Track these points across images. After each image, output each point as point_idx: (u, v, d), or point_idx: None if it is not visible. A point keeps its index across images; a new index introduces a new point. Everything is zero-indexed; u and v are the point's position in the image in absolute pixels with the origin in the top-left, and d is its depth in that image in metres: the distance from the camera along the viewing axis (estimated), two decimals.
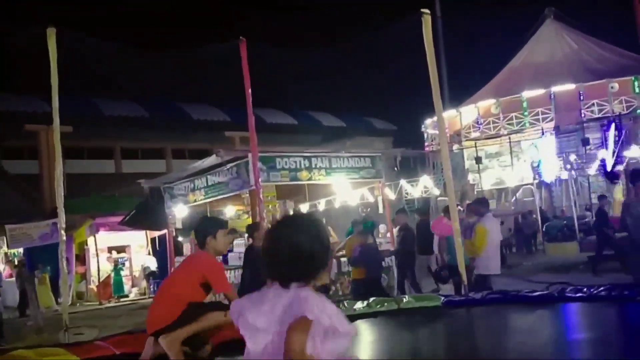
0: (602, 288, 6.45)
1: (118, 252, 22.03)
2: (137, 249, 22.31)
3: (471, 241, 8.70)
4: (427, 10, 8.75)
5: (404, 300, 7.61)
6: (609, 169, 19.52)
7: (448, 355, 5.07)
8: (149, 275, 20.99)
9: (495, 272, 8.64)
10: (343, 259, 12.38)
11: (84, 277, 21.23)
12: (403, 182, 34.51)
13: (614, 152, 19.44)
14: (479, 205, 9.23)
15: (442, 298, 7.42)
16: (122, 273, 21.16)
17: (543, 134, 28.30)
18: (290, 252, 2.16)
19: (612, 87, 32.89)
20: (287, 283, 2.16)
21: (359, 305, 7.46)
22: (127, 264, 21.88)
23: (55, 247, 9.24)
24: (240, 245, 12.96)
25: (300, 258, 2.15)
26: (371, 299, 7.76)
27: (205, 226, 5.16)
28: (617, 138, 20.16)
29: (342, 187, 14.40)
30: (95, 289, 20.85)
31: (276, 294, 2.15)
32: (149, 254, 21.98)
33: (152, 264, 20.92)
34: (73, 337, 8.23)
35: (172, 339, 4.73)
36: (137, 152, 38.52)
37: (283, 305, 2.09)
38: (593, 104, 33.03)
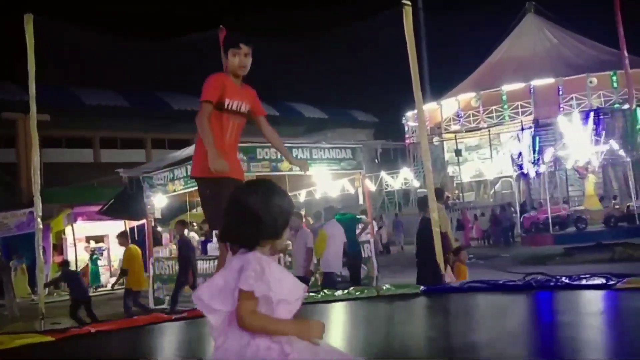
0: (577, 277, 6.56)
1: (96, 242, 21.86)
2: (116, 238, 22.16)
3: (314, 244, 10.00)
4: (408, 2, 8.74)
5: (384, 288, 7.67)
6: (581, 163, 19.79)
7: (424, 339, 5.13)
8: None
9: (337, 270, 10.12)
10: None
11: (61, 266, 21.05)
12: (383, 173, 34.72)
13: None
14: (328, 213, 10.67)
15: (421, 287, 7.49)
16: (99, 263, 21.00)
17: (522, 127, 28.55)
18: (238, 213, 2.16)
19: (590, 82, 33.29)
20: (235, 246, 2.16)
21: (340, 292, 7.52)
22: (105, 253, 21.72)
23: (32, 236, 9.15)
24: None
25: (246, 219, 2.13)
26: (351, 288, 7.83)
27: None
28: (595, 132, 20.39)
29: (323, 178, 14.42)
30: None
31: (227, 263, 2.16)
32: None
33: None
34: (49, 325, 8.18)
35: None
36: (116, 142, 38.23)
37: (232, 272, 2.10)
38: (572, 98, 33.41)
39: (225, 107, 4.40)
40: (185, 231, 16.53)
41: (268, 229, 2.15)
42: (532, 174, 22.20)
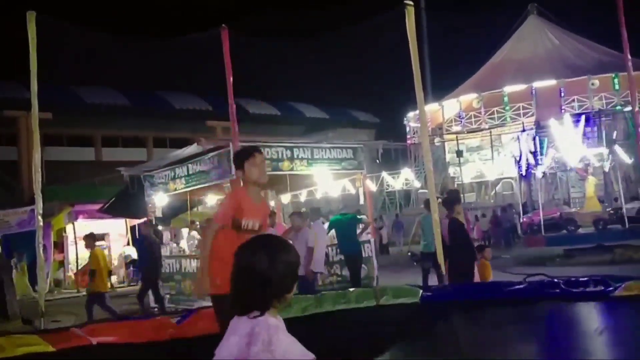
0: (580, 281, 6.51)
1: (97, 240, 21.85)
2: (117, 237, 22.17)
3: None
4: (410, 2, 8.75)
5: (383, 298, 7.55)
6: (575, 164, 19.83)
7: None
8: (130, 263, 20.89)
9: (321, 270, 10.31)
10: None
11: (61, 264, 21.06)
12: (384, 174, 34.70)
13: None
14: (313, 214, 10.92)
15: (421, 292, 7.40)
16: None
17: (524, 128, 28.54)
18: (245, 279, 2.08)
19: (592, 84, 33.25)
20: (244, 311, 2.08)
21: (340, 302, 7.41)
22: (105, 252, 21.71)
23: (33, 234, 9.15)
24: None
25: (254, 283, 2.06)
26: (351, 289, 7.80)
27: None
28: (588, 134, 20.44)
29: (324, 178, 14.41)
30: (73, 276, 20.69)
31: (237, 326, 2.10)
32: (128, 243, 21.87)
33: (133, 252, 20.82)
34: (50, 324, 8.18)
35: None
36: (118, 140, 38.25)
37: (243, 339, 2.05)
38: (573, 100, 33.36)
39: (243, 227, 4.44)
40: (187, 230, 16.59)
41: (279, 288, 2.08)
42: (538, 175, 22.21)
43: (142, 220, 14.89)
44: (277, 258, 2.08)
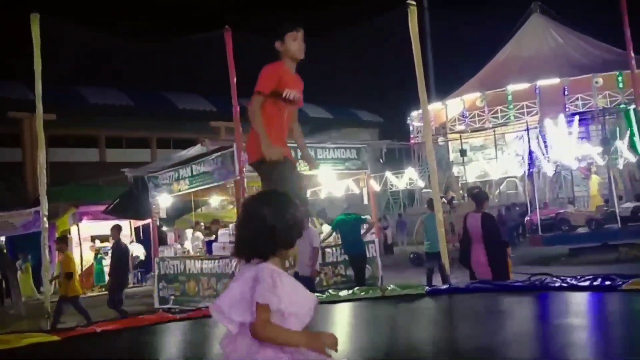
0: (583, 278, 6.54)
1: (101, 241, 21.89)
2: (121, 237, 22.18)
3: None
4: (413, 2, 8.75)
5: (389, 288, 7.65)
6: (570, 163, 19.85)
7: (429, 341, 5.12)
8: (137, 265, 20.93)
9: (304, 273, 9.95)
10: (328, 249, 12.42)
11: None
12: (388, 173, 34.66)
13: None
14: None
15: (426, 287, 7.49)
16: (104, 262, 21.04)
17: (527, 127, 28.46)
18: (252, 227, 2.18)
19: (596, 82, 33.14)
20: (249, 258, 2.19)
21: (345, 292, 7.52)
22: (110, 253, 21.75)
23: (38, 235, 9.18)
24: (225, 235, 12.94)
25: (261, 232, 2.16)
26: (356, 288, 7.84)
27: None
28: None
29: (328, 178, 14.42)
30: (77, 277, 20.72)
31: (241, 273, 2.19)
32: (133, 241, 21.90)
33: (140, 252, 20.83)
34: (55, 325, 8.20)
35: None
36: (122, 141, 38.30)
37: (247, 283, 2.13)
38: (577, 99, 33.27)
39: (284, 96, 4.42)
40: (191, 231, 16.59)
41: (283, 239, 2.18)
42: (549, 173, 22.16)
43: (144, 222, 14.92)
44: (285, 211, 2.19)
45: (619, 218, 17.20)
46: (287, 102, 4.47)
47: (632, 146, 21.41)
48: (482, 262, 7.73)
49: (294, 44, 4.46)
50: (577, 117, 21.14)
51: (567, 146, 19.77)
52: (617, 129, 22.99)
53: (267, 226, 2.15)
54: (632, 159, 21.67)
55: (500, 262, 7.84)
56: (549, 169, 21.24)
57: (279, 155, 4.15)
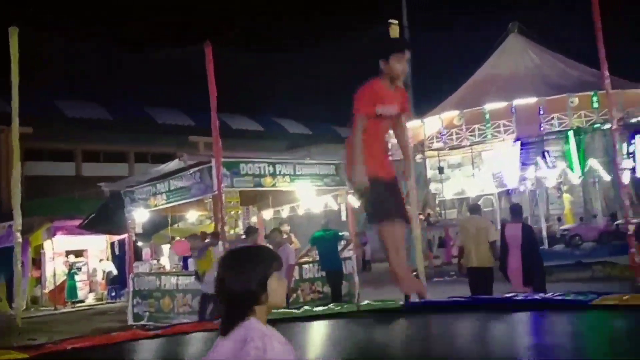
0: (557, 294, 6.59)
1: (76, 256, 21.63)
2: (96, 253, 21.95)
3: (200, 260, 10.73)
4: (394, 21, 8.86)
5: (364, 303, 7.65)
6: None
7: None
8: (111, 280, 20.70)
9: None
10: (305, 266, 12.39)
11: (39, 281, 20.78)
12: None
13: None
14: (214, 237, 11.20)
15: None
16: (77, 278, 20.77)
17: (506, 145, 28.79)
18: (218, 289, 2.20)
19: (572, 102, 33.62)
20: (226, 326, 2.16)
21: (320, 308, 7.50)
22: (84, 268, 21.48)
23: (11, 250, 9.03)
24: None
25: (224, 295, 2.17)
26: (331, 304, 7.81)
27: None
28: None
29: (306, 194, 14.42)
30: (49, 293, 20.44)
31: (220, 341, 2.16)
32: (107, 259, 21.65)
33: (113, 269, 20.61)
34: (26, 341, 8.05)
35: None
36: (99, 155, 37.94)
37: (237, 344, 2.10)
38: (553, 118, 33.73)
39: (379, 114, 4.43)
40: (167, 246, 16.45)
41: (245, 299, 2.15)
42: (525, 188, 22.55)
43: (120, 237, 14.78)
44: (241, 270, 2.16)
45: (566, 237, 17.52)
46: (383, 119, 4.50)
47: (570, 167, 21.98)
48: (518, 268, 8.11)
49: (399, 66, 4.45)
50: (518, 143, 21.85)
51: (512, 170, 20.44)
52: (593, 148, 23.39)
53: (228, 291, 2.16)
54: (607, 177, 22.02)
55: (537, 270, 8.30)
56: (511, 184, 21.70)
57: (365, 184, 4.26)
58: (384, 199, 4.40)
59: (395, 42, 4.58)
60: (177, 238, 16.82)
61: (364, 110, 4.37)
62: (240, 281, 2.15)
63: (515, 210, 9.03)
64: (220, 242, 10.65)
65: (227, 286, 2.17)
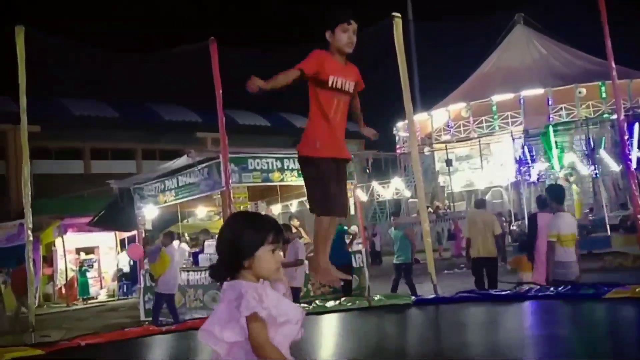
0: (567, 287, 6.58)
1: (86, 254, 21.73)
2: (107, 250, 22.05)
3: (154, 264, 10.90)
4: (398, 14, 8.82)
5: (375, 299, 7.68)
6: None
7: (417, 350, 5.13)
8: (121, 276, 20.78)
9: (172, 291, 10.90)
10: None
11: (50, 278, 20.90)
12: (374, 183, 34.76)
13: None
14: (166, 238, 11.39)
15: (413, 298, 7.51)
16: (89, 274, 20.87)
17: (513, 137, 28.72)
18: (218, 246, 2.27)
19: (579, 92, 33.49)
20: (221, 277, 2.23)
21: (331, 303, 7.53)
22: (95, 265, 21.58)
23: (21, 248, 9.09)
24: (211, 246, 12.88)
25: (221, 249, 2.23)
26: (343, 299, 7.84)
27: None
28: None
29: None
30: (63, 289, 20.57)
31: (224, 295, 2.20)
32: (118, 254, 21.74)
33: (125, 265, 20.69)
34: (39, 338, 8.11)
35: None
36: (107, 153, 38.08)
37: (232, 302, 2.13)
38: (561, 109, 33.59)
39: (330, 84, 4.24)
40: (177, 242, 16.53)
41: (237, 252, 2.19)
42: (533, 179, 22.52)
43: (130, 233, 14.86)
44: (235, 228, 2.24)
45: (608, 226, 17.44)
46: (334, 92, 4.27)
47: (550, 165, 21.93)
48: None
49: (344, 36, 4.25)
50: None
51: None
52: (602, 138, 23.30)
53: (226, 241, 2.21)
54: (616, 168, 21.92)
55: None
56: (533, 177, 21.57)
57: (258, 87, 3.88)
58: (330, 189, 4.14)
59: (341, 11, 4.35)
60: (133, 243, 16.86)
61: (305, 66, 4.15)
62: (229, 237, 2.21)
63: (542, 200, 9.15)
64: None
65: (220, 238, 2.26)
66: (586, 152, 25.02)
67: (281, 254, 2.28)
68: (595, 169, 21.96)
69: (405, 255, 11.56)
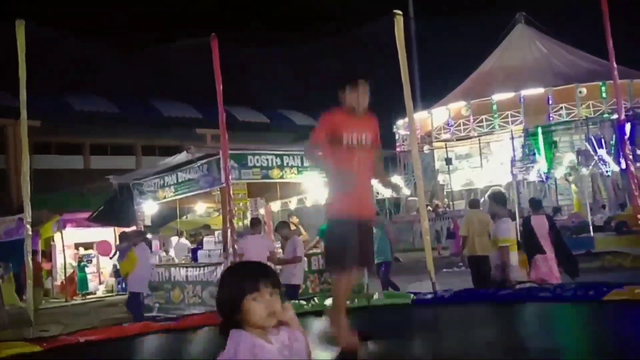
0: (568, 288, 6.59)
1: (85, 249, 21.75)
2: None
3: (122, 262, 11.17)
4: (399, 11, 8.80)
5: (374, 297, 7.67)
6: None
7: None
8: (119, 271, 20.80)
9: (143, 291, 11.04)
10: (314, 257, 12.41)
11: (49, 273, 20.92)
12: (374, 181, 34.74)
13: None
14: (136, 236, 11.50)
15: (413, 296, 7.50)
16: (87, 270, 20.88)
17: (512, 136, 28.71)
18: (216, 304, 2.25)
19: (580, 92, 33.50)
20: (220, 328, 2.21)
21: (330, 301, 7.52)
22: (94, 260, 21.60)
23: (20, 243, 9.09)
24: (210, 242, 12.89)
25: (218, 309, 2.22)
26: None
27: None
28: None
29: (314, 185, 14.41)
30: (60, 285, 20.59)
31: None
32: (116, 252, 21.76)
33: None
34: (38, 333, 8.12)
35: None
36: (107, 148, 38.08)
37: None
38: (561, 108, 33.59)
39: (345, 142, 4.34)
40: (175, 238, 16.53)
41: (223, 309, 2.18)
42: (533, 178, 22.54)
43: (129, 229, 14.83)
44: (221, 284, 2.23)
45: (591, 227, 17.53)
46: (353, 148, 4.38)
47: (548, 164, 21.94)
48: (552, 258, 8.40)
49: (352, 96, 4.47)
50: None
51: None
52: (602, 138, 23.28)
53: (217, 299, 2.22)
54: (616, 168, 21.92)
55: (569, 252, 8.90)
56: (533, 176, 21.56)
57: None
58: (347, 244, 4.16)
59: (350, 73, 4.49)
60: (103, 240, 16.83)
61: (316, 140, 4.36)
62: (218, 296, 2.21)
63: (536, 203, 9.55)
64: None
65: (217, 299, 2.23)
66: (586, 152, 25.03)
67: (271, 297, 2.17)
68: (607, 168, 21.98)
69: (384, 254, 11.46)
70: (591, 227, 18.25)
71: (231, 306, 2.15)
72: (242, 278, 2.19)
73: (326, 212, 4.40)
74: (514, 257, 7.42)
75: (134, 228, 14.17)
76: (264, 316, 2.14)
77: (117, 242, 18.15)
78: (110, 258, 19.29)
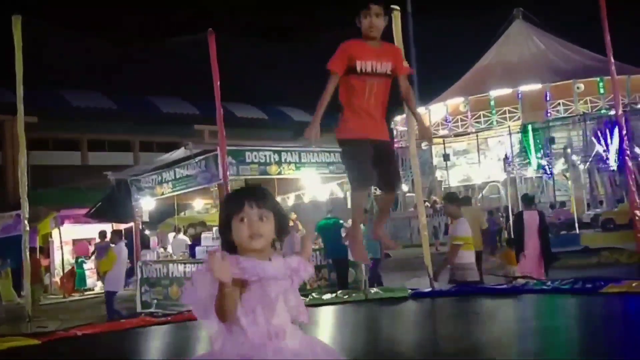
0: (565, 281, 6.60)
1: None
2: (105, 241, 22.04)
3: (99, 261, 11.41)
4: (397, 7, 8.80)
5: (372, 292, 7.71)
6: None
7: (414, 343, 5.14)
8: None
9: (119, 289, 11.39)
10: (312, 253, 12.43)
11: (47, 269, 20.89)
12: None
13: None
14: (115, 236, 11.81)
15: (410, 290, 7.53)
16: (85, 266, 20.87)
17: (510, 132, 28.74)
18: None
19: (578, 88, 33.50)
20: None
21: (328, 296, 7.56)
22: (92, 256, 21.58)
23: (18, 239, 9.09)
24: (208, 238, 12.89)
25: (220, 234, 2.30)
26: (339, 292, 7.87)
27: None
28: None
29: (312, 181, 14.42)
30: (59, 281, 20.57)
31: None
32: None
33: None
34: (36, 329, 8.13)
35: None
36: (104, 144, 38.04)
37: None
38: (559, 104, 33.59)
39: (359, 70, 4.31)
40: (172, 234, 16.52)
41: (221, 230, 2.25)
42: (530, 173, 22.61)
43: (126, 225, 14.86)
44: (222, 206, 2.32)
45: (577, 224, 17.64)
46: (368, 76, 4.33)
47: (528, 161, 21.96)
48: (536, 254, 8.89)
49: (365, 21, 4.33)
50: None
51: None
52: (599, 134, 23.34)
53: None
54: (613, 164, 21.97)
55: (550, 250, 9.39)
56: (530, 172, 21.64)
57: (315, 139, 4.30)
58: (361, 168, 4.25)
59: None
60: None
61: (333, 66, 4.31)
62: (222, 211, 2.27)
63: (528, 199, 10.02)
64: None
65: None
66: (583, 148, 25.09)
67: (261, 220, 2.20)
68: (604, 164, 22.09)
69: (373, 250, 11.46)
70: (577, 224, 18.34)
71: (224, 227, 2.22)
72: (230, 199, 2.27)
73: (336, 135, 4.48)
74: (470, 256, 7.52)
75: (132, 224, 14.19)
76: (246, 237, 2.16)
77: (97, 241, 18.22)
78: (89, 258, 19.39)
